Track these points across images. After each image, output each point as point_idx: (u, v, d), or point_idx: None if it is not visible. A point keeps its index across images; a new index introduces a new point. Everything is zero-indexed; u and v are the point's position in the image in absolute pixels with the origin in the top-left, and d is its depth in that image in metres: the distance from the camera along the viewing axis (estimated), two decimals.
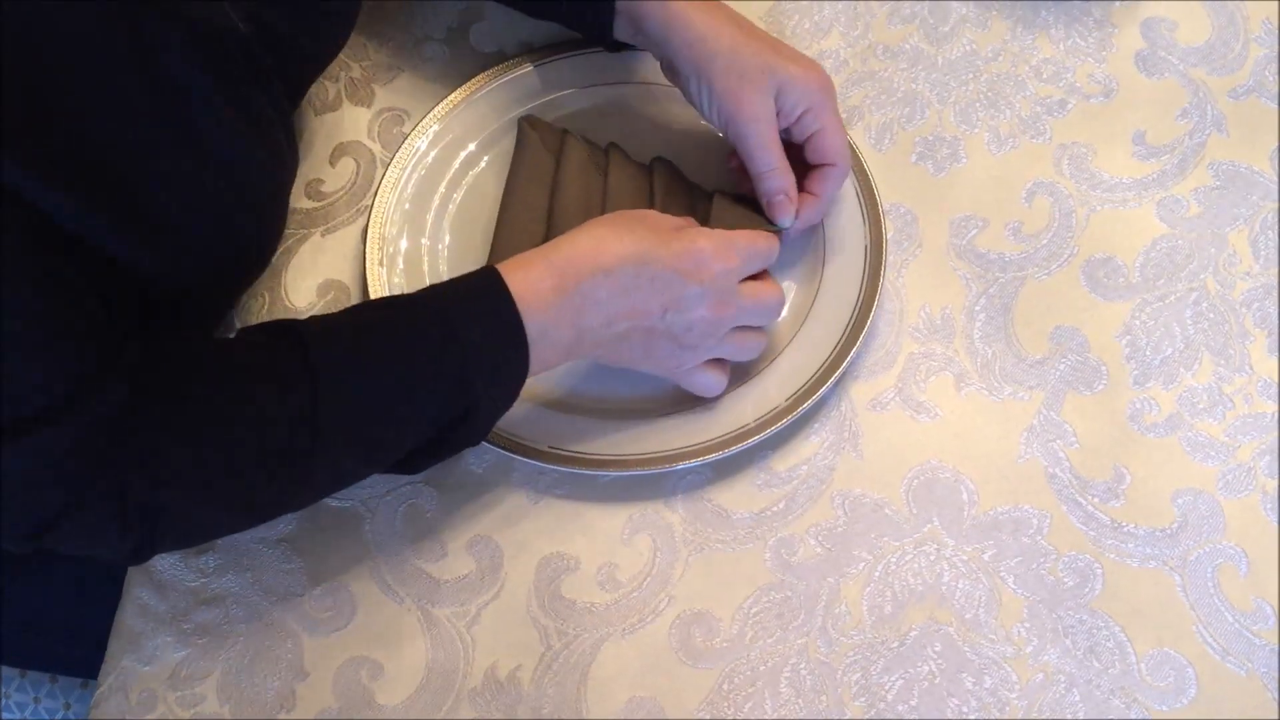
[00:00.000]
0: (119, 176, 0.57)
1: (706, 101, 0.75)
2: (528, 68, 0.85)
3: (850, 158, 0.77)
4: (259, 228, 0.70)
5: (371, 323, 0.65)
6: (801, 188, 0.76)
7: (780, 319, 0.77)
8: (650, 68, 0.83)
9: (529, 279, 0.65)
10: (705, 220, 0.76)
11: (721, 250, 0.68)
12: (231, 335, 0.66)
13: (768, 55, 0.73)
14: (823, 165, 0.76)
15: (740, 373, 0.75)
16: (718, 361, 0.72)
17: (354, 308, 0.67)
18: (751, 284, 0.71)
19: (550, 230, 0.76)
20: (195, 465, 0.60)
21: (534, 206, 0.78)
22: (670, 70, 0.77)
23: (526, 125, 0.81)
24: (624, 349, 0.69)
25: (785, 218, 0.75)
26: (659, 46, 0.75)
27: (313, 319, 0.65)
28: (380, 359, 0.63)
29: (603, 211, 0.77)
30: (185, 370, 0.61)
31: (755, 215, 0.77)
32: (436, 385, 0.63)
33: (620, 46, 0.83)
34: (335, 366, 0.62)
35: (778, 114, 0.74)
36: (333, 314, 0.65)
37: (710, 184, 0.80)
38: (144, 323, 0.64)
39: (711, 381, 0.72)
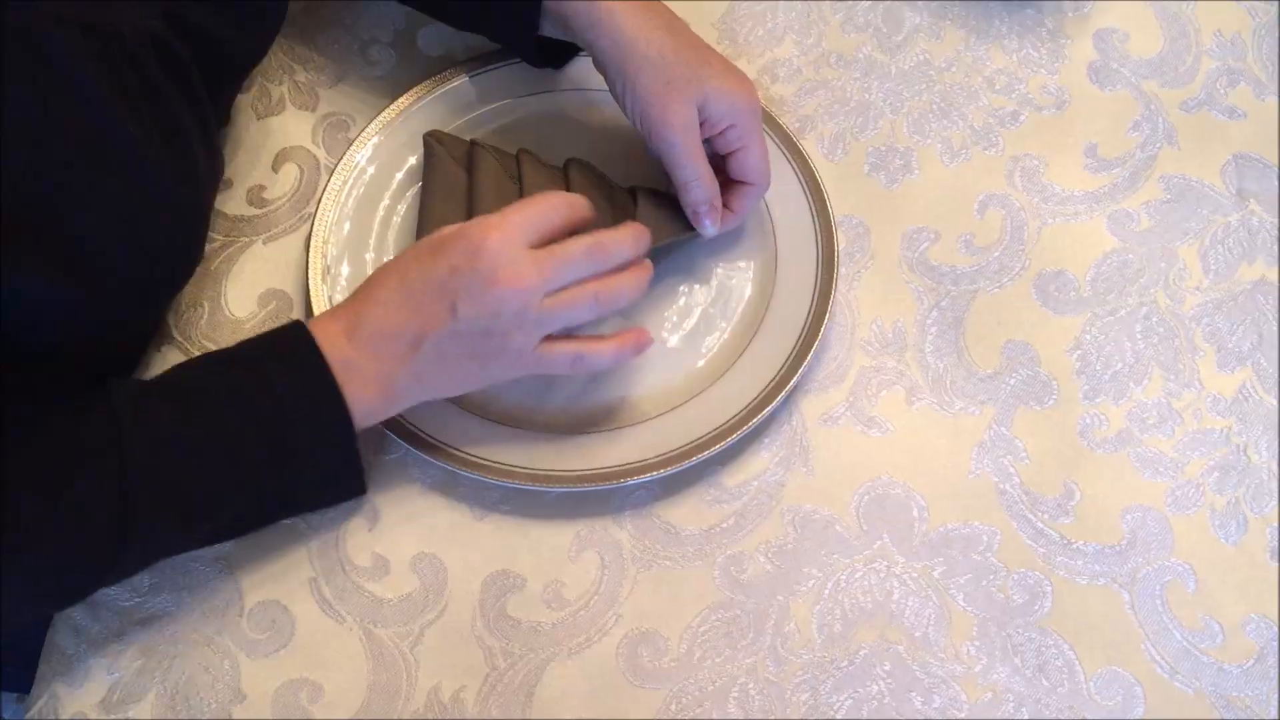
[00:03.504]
0: (9, 196, 0.54)
1: (630, 106, 0.73)
2: (473, 74, 0.83)
3: (769, 176, 0.76)
4: (175, 243, 0.68)
5: (182, 382, 0.64)
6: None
7: (734, 321, 0.77)
8: (593, 75, 0.82)
9: (320, 324, 0.65)
10: (631, 217, 0.75)
11: (494, 224, 0.64)
12: (48, 401, 0.62)
13: (697, 65, 0.72)
14: (742, 183, 0.75)
15: (689, 388, 0.74)
16: (567, 336, 0.67)
17: (172, 368, 0.65)
18: (554, 244, 0.65)
19: None
20: None
21: (450, 224, 0.75)
22: (599, 65, 0.75)
23: (432, 140, 0.79)
24: (454, 368, 0.65)
25: (711, 227, 0.75)
26: (587, 46, 0.74)
27: (129, 380, 0.64)
28: (189, 417, 0.61)
29: None
30: None
31: (678, 212, 0.76)
32: (249, 439, 0.62)
33: (545, 62, 0.81)
34: (144, 431, 0.60)
35: (701, 124, 0.73)
36: (152, 378, 0.64)
37: (634, 181, 0.79)
38: (46, 350, 0.62)
39: (562, 357, 0.66)
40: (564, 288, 0.65)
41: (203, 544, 0.67)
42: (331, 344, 0.64)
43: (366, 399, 0.64)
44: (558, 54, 0.82)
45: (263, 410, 0.62)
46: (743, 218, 0.77)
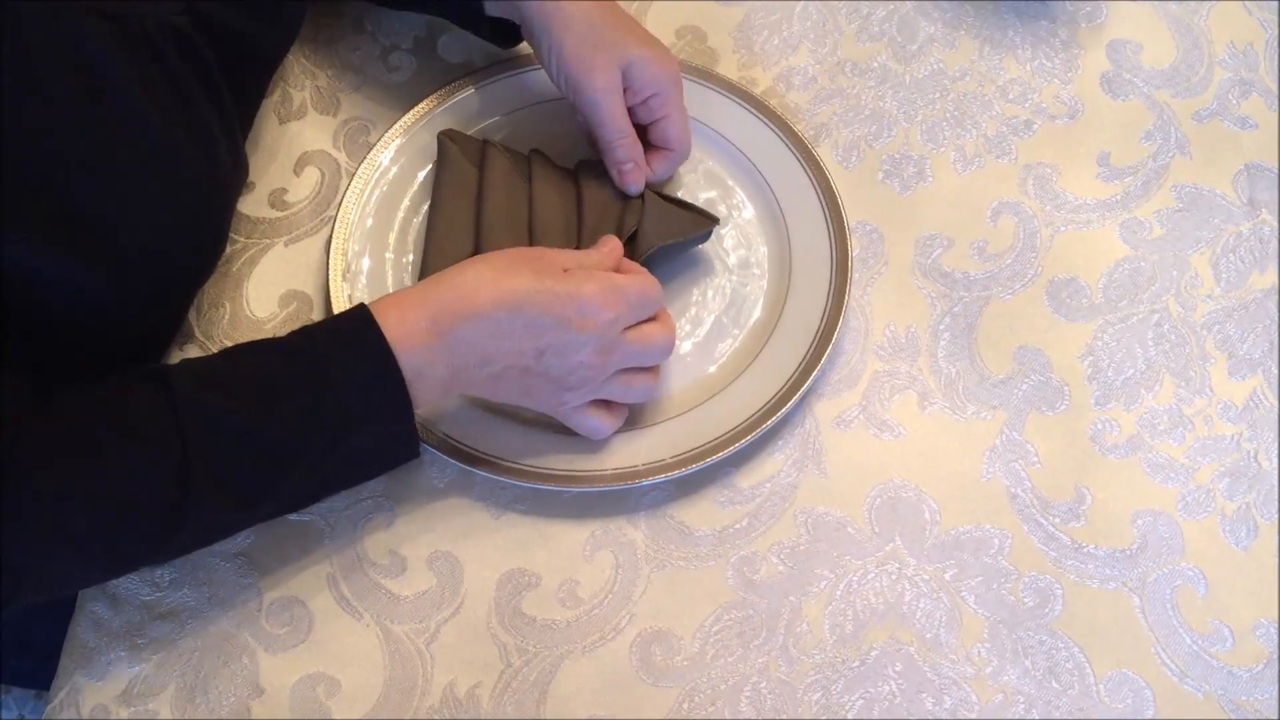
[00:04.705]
0: (36, 179, 0.55)
1: (556, 67, 0.75)
2: (491, 80, 0.84)
3: (690, 143, 0.79)
4: (195, 231, 0.68)
5: (242, 369, 0.63)
6: None
7: (747, 329, 0.78)
8: None
9: (404, 320, 0.63)
10: (639, 218, 0.76)
11: (608, 298, 0.66)
12: (101, 382, 0.62)
13: (623, 31, 0.75)
14: (663, 149, 0.78)
15: (704, 391, 0.75)
16: (606, 403, 0.71)
17: (226, 351, 0.64)
18: (640, 328, 0.68)
19: (478, 242, 0.75)
20: (50, 517, 0.57)
21: (460, 220, 0.77)
22: (526, 32, 0.77)
23: (446, 139, 0.80)
24: (501, 387, 0.67)
25: (634, 186, 0.77)
26: (519, 13, 0.76)
27: (184, 364, 0.63)
28: (250, 408, 0.61)
29: (530, 218, 0.77)
30: (44, 419, 0.58)
31: (687, 212, 0.78)
32: (310, 432, 0.62)
33: (500, 40, 0.83)
34: (202, 417, 0.59)
35: (625, 90, 0.75)
36: (204, 358, 0.64)
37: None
38: (73, 342, 0.62)
39: (597, 424, 0.71)
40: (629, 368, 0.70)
41: (252, 522, 0.67)
42: (409, 345, 0.63)
43: (425, 397, 0.65)
44: (509, 32, 0.83)
45: (326, 410, 0.62)
46: (660, 179, 0.80)
